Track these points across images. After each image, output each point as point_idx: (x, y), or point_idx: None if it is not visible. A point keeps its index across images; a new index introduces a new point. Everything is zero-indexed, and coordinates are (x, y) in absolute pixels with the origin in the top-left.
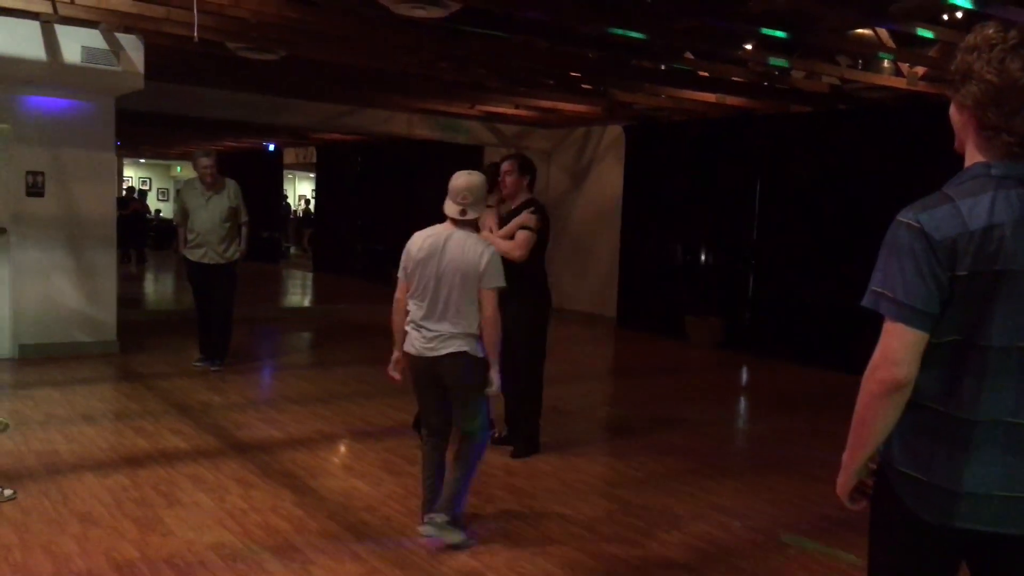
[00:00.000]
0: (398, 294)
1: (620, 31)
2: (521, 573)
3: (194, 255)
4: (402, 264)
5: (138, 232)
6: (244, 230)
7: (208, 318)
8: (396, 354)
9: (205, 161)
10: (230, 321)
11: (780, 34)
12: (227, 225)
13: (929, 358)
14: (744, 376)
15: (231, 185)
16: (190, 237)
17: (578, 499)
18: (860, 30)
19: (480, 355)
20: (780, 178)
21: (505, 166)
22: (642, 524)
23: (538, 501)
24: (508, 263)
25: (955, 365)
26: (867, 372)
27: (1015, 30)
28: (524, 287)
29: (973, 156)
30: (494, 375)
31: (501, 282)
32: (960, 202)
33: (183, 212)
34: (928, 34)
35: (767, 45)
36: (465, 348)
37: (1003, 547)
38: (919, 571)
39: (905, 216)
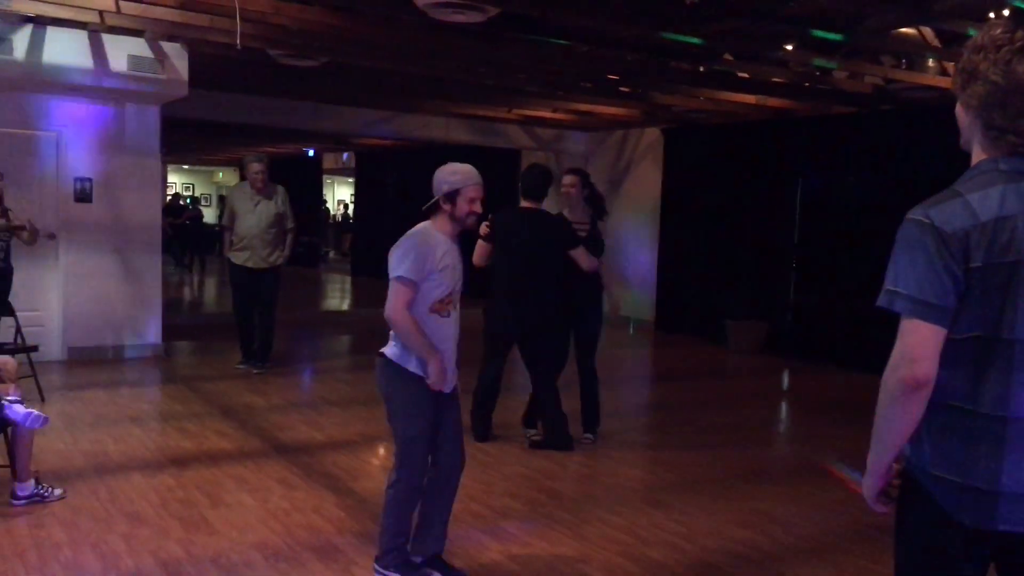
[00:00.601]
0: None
1: (674, 36)
2: None
3: (239, 258)
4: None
5: (200, 237)
6: (290, 237)
7: (249, 321)
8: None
9: (257, 166)
10: (273, 324)
11: (835, 36)
12: (273, 230)
13: (953, 356)
14: (786, 381)
15: (280, 191)
16: (236, 241)
17: (619, 503)
18: (904, 29)
19: (396, 359)
20: (822, 180)
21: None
22: (684, 529)
23: (578, 504)
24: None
25: (981, 361)
26: (887, 372)
27: (1022, 31)
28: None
29: (980, 154)
30: (429, 369)
31: (394, 272)
32: (969, 196)
33: (231, 215)
34: (974, 32)
35: (809, 45)
36: (385, 350)
37: None
38: (950, 569)
39: (915, 214)
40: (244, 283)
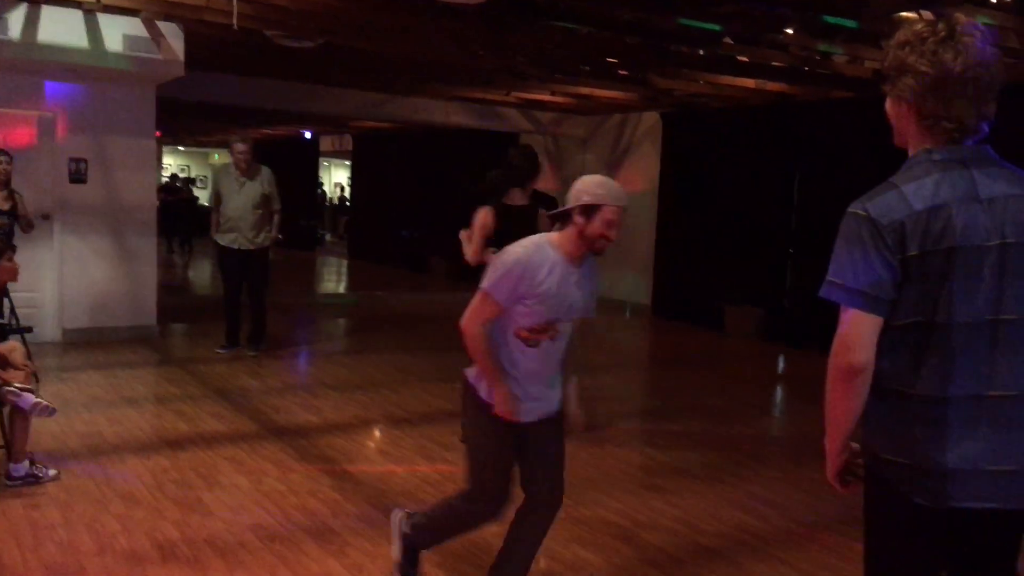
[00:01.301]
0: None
1: (691, 22)
2: (558, 560)
3: (224, 239)
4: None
5: (189, 219)
6: (276, 217)
7: (236, 304)
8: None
9: (240, 147)
10: (264, 306)
11: (848, 23)
12: (259, 212)
13: (893, 343)
14: (783, 366)
15: (265, 172)
16: (222, 222)
17: (615, 487)
18: (906, 13)
19: (471, 380)
20: (820, 165)
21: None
22: (680, 513)
23: (574, 489)
24: None
25: (920, 346)
26: (829, 359)
27: (943, 23)
28: None
29: (916, 145)
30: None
31: (485, 282)
32: (904, 187)
33: (217, 196)
34: (988, 21)
35: (810, 29)
36: (467, 369)
37: (997, 524)
38: (917, 555)
39: (854, 207)
40: (232, 264)
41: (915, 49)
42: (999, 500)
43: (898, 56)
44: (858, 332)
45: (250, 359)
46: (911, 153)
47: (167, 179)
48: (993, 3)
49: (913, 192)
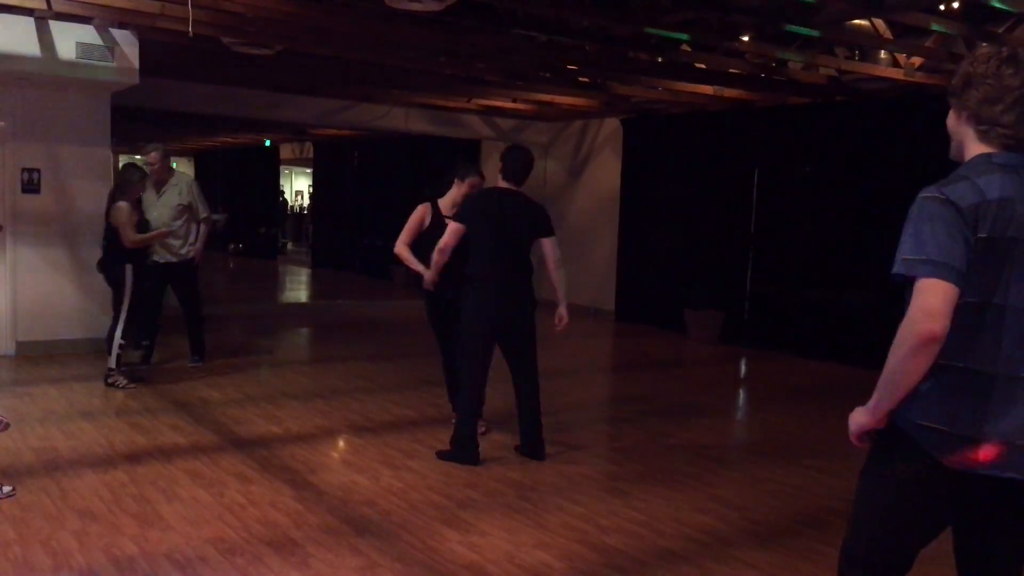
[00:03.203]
0: None
1: (660, 32)
2: (520, 565)
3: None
4: None
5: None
6: (201, 228)
7: (153, 318)
8: None
9: (152, 156)
10: (200, 318)
11: (808, 31)
12: (179, 222)
13: (953, 319)
14: (743, 369)
15: (184, 180)
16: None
17: (578, 491)
18: (857, 21)
19: None
20: (778, 170)
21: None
22: (642, 516)
23: (537, 493)
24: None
25: (975, 325)
26: (904, 329)
27: (1007, 47)
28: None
29: (973, 150)
30: None
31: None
32: (975, 179)
33: (141, 209)
34: (939, 28)
35: (765, 36)
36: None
37: (1007, 491)
38: (922, 509)
39: (930, 192)
40: (152, 277)
41: (980, 66)
42: (1018, 470)
43: (966, 72)
44: (941, 301)
45: (192, 370)
46: (968, 157)
47: None
48: (942, 10)
49: (984, 184)
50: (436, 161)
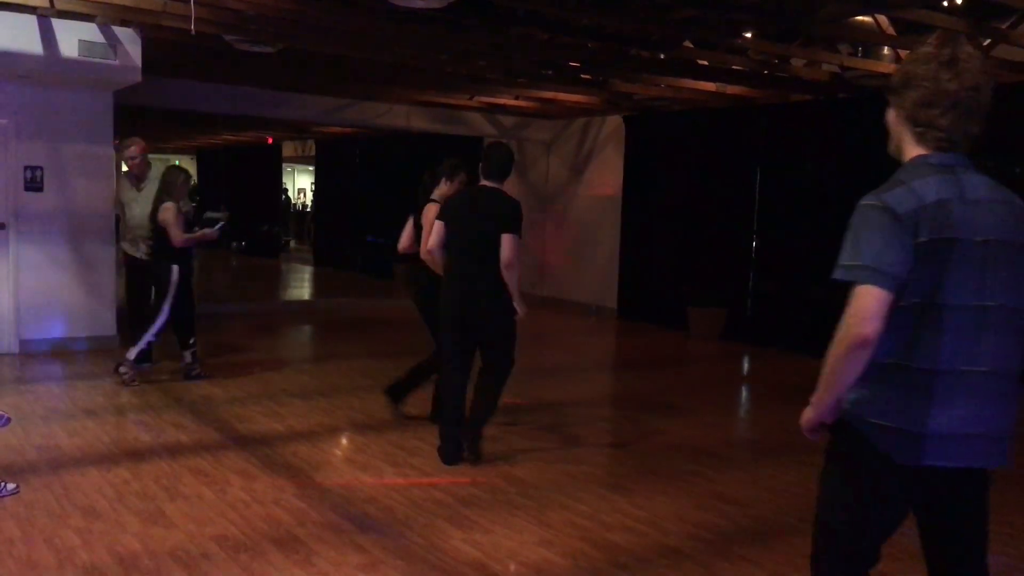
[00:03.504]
0: None
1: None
2: (524, 563)
3: (128, 248)
4: None
5: None
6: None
7: (141, 316)
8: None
9: (131, 150)
10: (159, 320)
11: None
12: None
13: (895, 321)
14: (746, 366)
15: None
16: (125, 231)
17: (581, 489)
18: (860, 17)
19: None
20: (780, 167)
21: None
22: (645, 513)
23: (540, 491)
24: None
25: (917, 324)
26: (839, 331)
27: (948, 48)
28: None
29: (910, 152)
30: None
31: None
32: (912, 183)
33: (119, 204)
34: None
35: (767, 33)
36: None
37: (958, 480)
38: (877, 503)
39: (868, 200)
40: (134, 274)
41: (920, 67)
42: (966, 459)
43: (906, 71)
44: (872, 305)
45: (123, 376)
46: (906, 158)
47: None
48: (945, 6)
49: (921, 188)
50: (438, 159)
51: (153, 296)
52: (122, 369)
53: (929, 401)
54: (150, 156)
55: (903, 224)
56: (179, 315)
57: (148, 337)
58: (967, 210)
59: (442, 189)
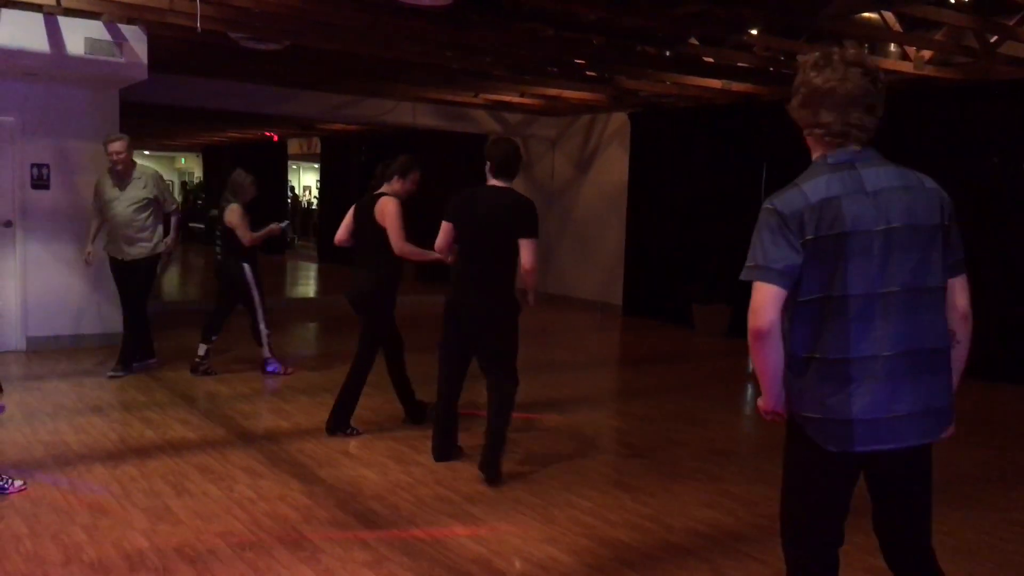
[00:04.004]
0: None
1: None
2: (529, 559)
3: (110, 250)
4: None
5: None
6: (173, 220)
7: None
8: None
9: (115, 146)
10: (138, 324)
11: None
12: (142, 217)
13: (803, 316)
14: (751, 363)
15: (148, 173)
16: (107, 231)
17: (585, 486)
18: (866, 14)
19: None
20: (786, 164)
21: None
22: (650, 511)
23: (545, 488)
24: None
25: (824, 317)
26: (747, 326)
27: (819, 52)
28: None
29: (813, 153)
30: None
31: None
32: (803, 185)
33: (98, 203)
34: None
35: (773, 30)
36: None
37: (893, 459)
38: (827, 490)
39: (765, 203)
40: (118, 277)
41: (798, 76)
42: (895, 440)
43: (795, 83)
44: (764, 300)
45: (108, 379)
46: (813, 157)
47: None
48: (952, 3)
49: (810, 189)
50: (443, 156)
51: (225, 297)
52: (269, 369)
53: (848, 389)
54: (155, 155)
55: (789, 225)
56: (218, 309)
57: (264, 333)
58: (865, 202)
59: (394, 186)
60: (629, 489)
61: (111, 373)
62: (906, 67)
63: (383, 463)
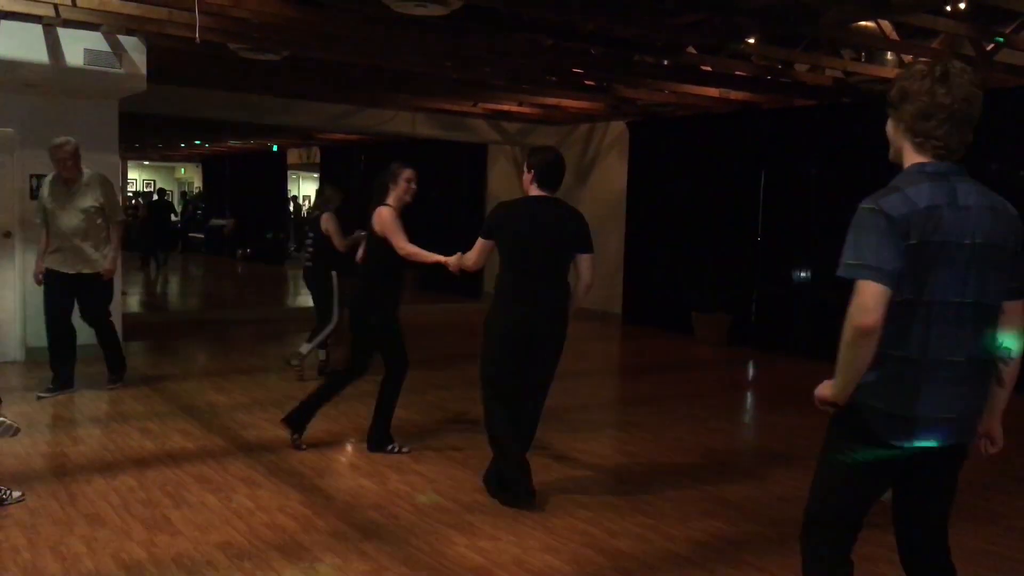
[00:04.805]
0: None
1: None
2: (528, 569)
3: (52, 261)
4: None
5: (167, 233)
6: (116, 232)
7: (64, 338)
8: None
9: (65, 149)
10: (113, 336)
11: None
12: (93, 226)
13: (889, 315)
14: (751, 371)
15: (96, 178)
16: (51, 241)
17: (585, 495)
18: (863, 22)
19: None
20: (785, 172)
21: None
22: (650, 520)
23: (545, 497)
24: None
25: (908, 319)
26: (846, 322)
27: (939, 66)
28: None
29: (909, 159)
30: None
31: None
32: (906, 190)
33: (43, 212)
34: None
35: (771, 39)
36: None
37: (939, 455)
38: (871, 482)
39: (867, 203)
40: (59, 291)
41: (915, 83)
42: (948, 439)
43: (902, 87)
44: (875, 299)
45: (113, 391)
46: (905, 165)
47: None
48: (948, 11)
49: (914, 194)
50: (443, 165)
51: (313, 301)
52: (294, 362)
53: (918, 387)
54: (155, 165)
55: (897, 227)
56: (321, 314)
57: (322, 337)
58: (957, 214)
59: (390, 196)
60: (629, 497)
61: (109, 386)
62: None
63: (382, 473)
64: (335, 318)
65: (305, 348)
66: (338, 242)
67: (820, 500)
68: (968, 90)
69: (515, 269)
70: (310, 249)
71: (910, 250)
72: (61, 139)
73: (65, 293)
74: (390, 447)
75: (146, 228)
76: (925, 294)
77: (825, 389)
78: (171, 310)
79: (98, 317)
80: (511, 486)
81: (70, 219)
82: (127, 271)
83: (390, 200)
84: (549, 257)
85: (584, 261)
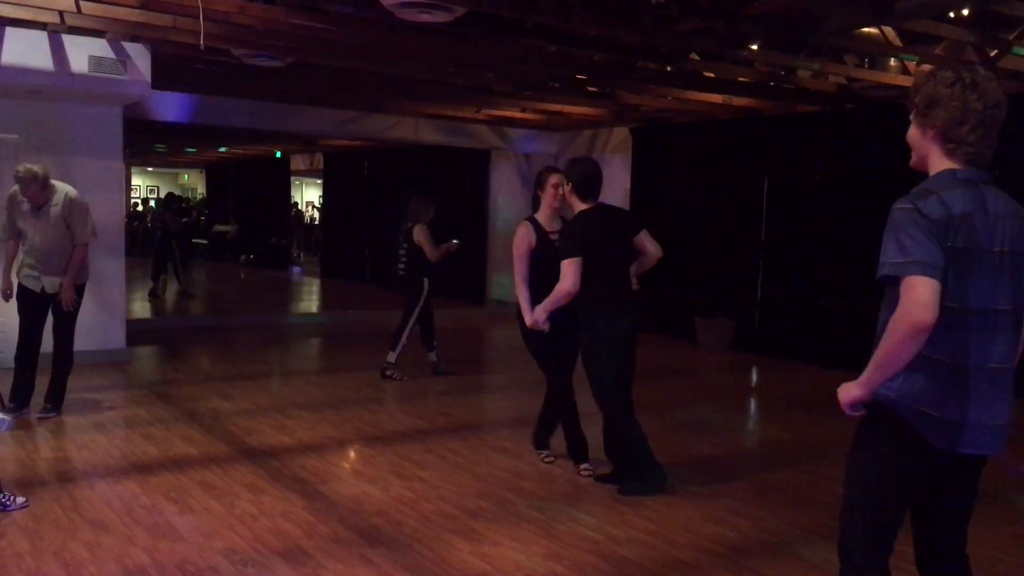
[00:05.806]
0: None
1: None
2: None
3: (25, 279)
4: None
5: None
6: (75, 254)
7: (30, 357)
8: None
9: (33, 185)
10: (68, 359)
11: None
12: (62, 244)
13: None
14: (754, 377)
15: (63, 195)
16: (23, 257)
17: (589, 501)
18: (867, 29)
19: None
20: (787, 178)
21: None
22: (653, 526)
23: (548, 503)
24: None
25: (950, 325)
26: (899, 319)
27: (967, 72)
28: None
29: (938, 165)
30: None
31: None
32: (941, 194)
33: (12, 227)
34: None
35: (774, 45)
36: None
37: (974, 463)
38: (912, 484)
39: (902, 203)
40: (32, 309)
41: (945, 89)
42: (988, 448)
43: (931, 93)
44: (932, 294)
45: (48, 420)
46: (933, 171)
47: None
48: (952, 18)
49: (949, 199)
50: (446, 171)
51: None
52: (387, 372)
53: (966, 394)
54: (159, 171)
55: (936, 228)
56: (425, 321)
57: (403, 343)
58: (987, 222)
59: (546, 202)
60: (632, 504)
61: (41, 414)
62: (906, 81)
63: (386, 479)
64: (412, 320)
65: (392, 356)
66: (431, 253)
67: (857, 510)
68: (998, 96)
69: (605, 275)
70: (404, 260)
71: (949, 254)
72: (31, 171)
73: (35, 310)
74: (544, 455)
75: (166, 241)
76: (959, 300)
77: (853, 389)
78: (175, 315)
79: (64, 335)
80: (650, 476)
81: (43, 235)
82: (135, 289)
83: (539, 212)
84: (625, 254)
85: (646, 237)
